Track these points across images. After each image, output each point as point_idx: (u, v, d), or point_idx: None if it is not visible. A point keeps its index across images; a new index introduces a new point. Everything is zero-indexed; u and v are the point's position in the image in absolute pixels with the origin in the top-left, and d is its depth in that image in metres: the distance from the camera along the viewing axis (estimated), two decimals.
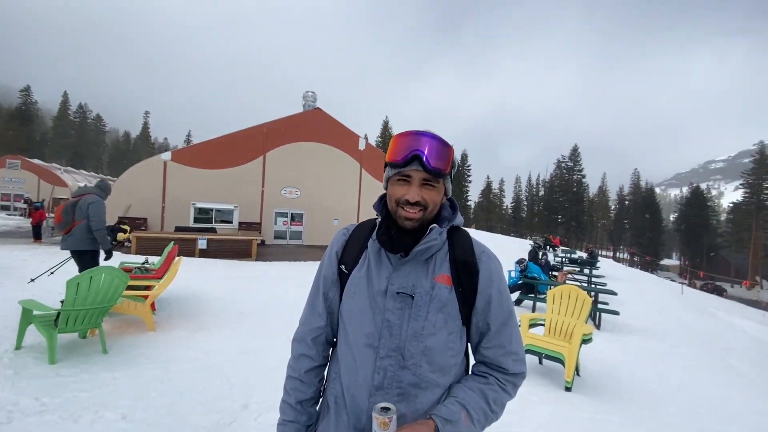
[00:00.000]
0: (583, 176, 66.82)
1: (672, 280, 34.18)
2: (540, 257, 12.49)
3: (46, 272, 5.65)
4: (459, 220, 1.02)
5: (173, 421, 2.63)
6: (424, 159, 0.87)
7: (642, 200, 65.73)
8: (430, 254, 0.95)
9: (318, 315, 1.04)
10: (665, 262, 67.15)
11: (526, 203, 79.90)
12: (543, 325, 4.62)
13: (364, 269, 0.98)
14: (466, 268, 0.94)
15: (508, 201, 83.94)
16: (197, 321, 5.03)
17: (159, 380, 3.22)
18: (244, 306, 6.01)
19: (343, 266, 1.02)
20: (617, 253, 69.29)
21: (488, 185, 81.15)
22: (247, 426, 2.64)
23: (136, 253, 11.60)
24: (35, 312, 3.62)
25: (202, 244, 12.54)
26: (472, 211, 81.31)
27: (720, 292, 41.27)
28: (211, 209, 18.06)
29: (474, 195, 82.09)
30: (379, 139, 69.92)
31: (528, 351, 4.18)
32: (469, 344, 1.01)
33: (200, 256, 12.26)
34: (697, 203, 61.69)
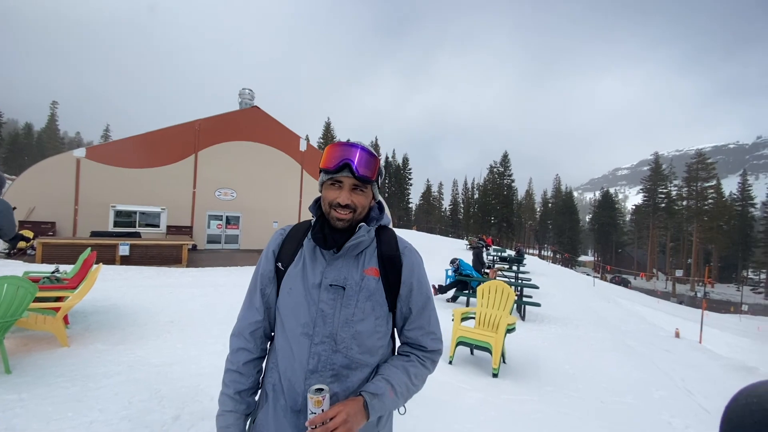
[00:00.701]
0: (513, 180, 72.05)
1: (587, 274, 38.24)
2: (480, 256, 13.26)
3: None
4: (386, 220, 1.14)
5: None
6: (354, 167, 0.99)
7: (562, 203, 72.61)
8: (360, 250, 1.07)
9: (255, 310, 1.11)
10: (582, 258, 74.96)
11: (462, 205, 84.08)
12: (474, 318, 4.98)
13: (299, 266, 1.07)
14: (392, 261, 1.07)
15: (446, 203, 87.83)
16: (119, 333, 4.63)
17: (75, 399, 2.95)
18: (173, 315, 5.64)
19: (279, 264, 1.10)
20: (542, 251, 75.74)
21: (428, 188, 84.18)
22: None
23: (42, 262, 10.28)
24: None
25: (124, 250, 11.46)
26: (413, 212, 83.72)
27: (625, 283, 47.18)
28: (135, 212, 16.53)
29: (415, 198, 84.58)
30: (321, 141, 69.10)
31: (460, 343, 4.50)
32: (395, 328, 1.14)
33: (122, 264, 11.20)
34: (607, 205, 69.72)
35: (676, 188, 60.17)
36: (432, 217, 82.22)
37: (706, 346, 6.78)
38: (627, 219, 77.28)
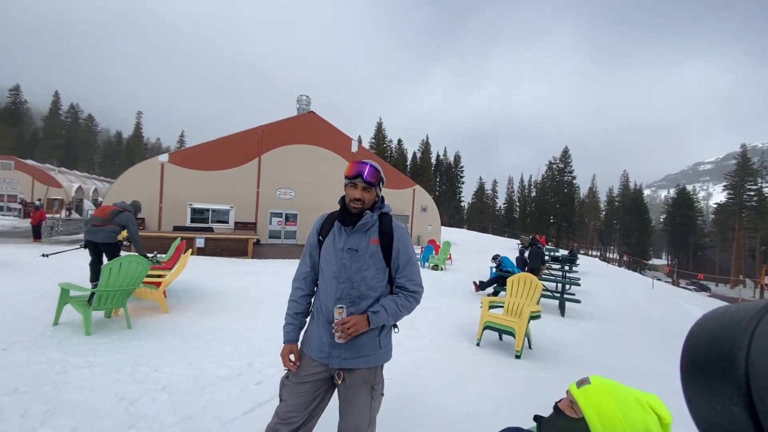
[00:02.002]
0: (574, 177, 68.16)
1: (658, 279, 35.27)
2: (524, 254, 13.28)
3: (58, 252, 6.48)
4: (386, 209, 1.83)
5: (194, 372, 3.35)
6: (364, 176, 1.68)
7: (630, 201, 67.16)
8: (367, 228, 1.75)
9: (305, 264, 1.85)
10: (654, 261, 68.64)
11: (518, 204, 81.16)
12: (503, 306, 5.38)
13: (331, 238, 1.78)
14: (386, 235, 1.75)
15: (500, 202, 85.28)
16: (204, 306, 5.74)
17: (179, 347, 3.94)
18: (244, 296, 6.73)
19: (320, 237, 1.83)
20: (607, 253, 70.74)
21: (481, 186, 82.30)
22: (252, 376, 3.37)
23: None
24: (72, 293, 4.31)
25: (200, 242, 13.19)
26: (465, 211, 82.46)
27: (705, 290, 42.61)
28: (208, 209, 18.67)
29: (467, 196, 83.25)
30: (373, 141, 70.73)
31: (487, 327, 4.95)
32: (391, 276, 1.79)
33: (198, 255, 12.91)
34: (684, 204, 63.23)
35: None
36: (485, 216, 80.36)
37: None
38: (709, 219, 69.55)
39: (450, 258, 15.82)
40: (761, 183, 53.56)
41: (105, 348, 3.73)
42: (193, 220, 18.34)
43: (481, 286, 9.37)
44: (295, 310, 1.80)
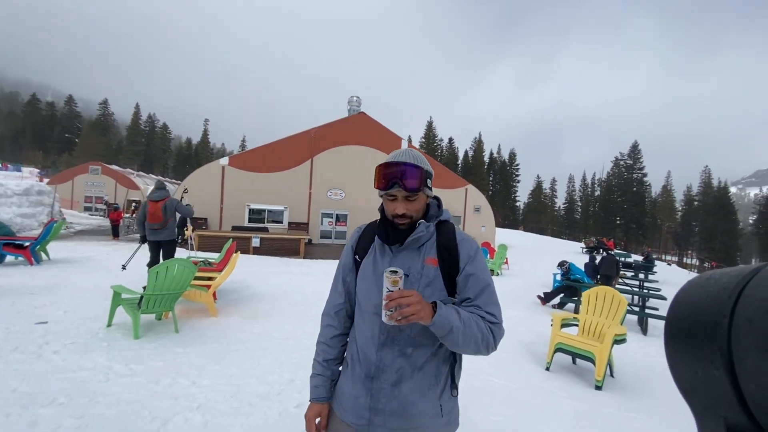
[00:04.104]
0: (644, 175, 62.21)
1: None
2: (595, 260, 12.00)
3: (129, 260, 6.69)
4: (446, 215, 1.30)
5: (232, 389, 3.12)
6: (402, 185, 1.16)
7: (713, 200, 59.69)
8: (421, 243, 1.23)
9: (338, 294, 1.36)
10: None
11: (580, 204, 75.75)
12: (577, 325, 4.63)
13: (371, 258, 1.28)
14: (449, 251, 1.21)
15: (560, 201, 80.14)
16: (252, 309, 5.63)
17: (221, 356, 3.76)
18: (292, 298, 6.57)
19: (357, 256, 1.34)
20: (684, 258, 63.39)
21: (539, 185, 77.96)
22: (292, 397, 3.05)
23: (199, 250, 12.83)
24: (123, 295, 4.34)
25: (256, 242, 13.56)
26: (521, 212, 78.56)
27: None
28: (264, 210, 19.33)
29: (523, 195, 79.31)
30: (423, 140, 69.92)
31: (559, 350, 4.25)
32: None
33: (254, 253, 13.27)
34: None
35: None
36: (543, 217, 75.89)
37: None
38: None
39: (507, 262, 14.82)
40: None
41: (149, 354, 3.65)
42: (250, 220, 19.08)
43: (546, 297, 8.46)
44: (325, 356, 1.33)
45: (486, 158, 73.46)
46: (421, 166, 1.21)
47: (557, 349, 4.25)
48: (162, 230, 5.85)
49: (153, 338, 4.08)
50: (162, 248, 5.94)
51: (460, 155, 73.79)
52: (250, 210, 19.13)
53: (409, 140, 71.13)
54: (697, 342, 0.31)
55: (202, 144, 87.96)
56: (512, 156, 73.04)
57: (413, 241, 1.21)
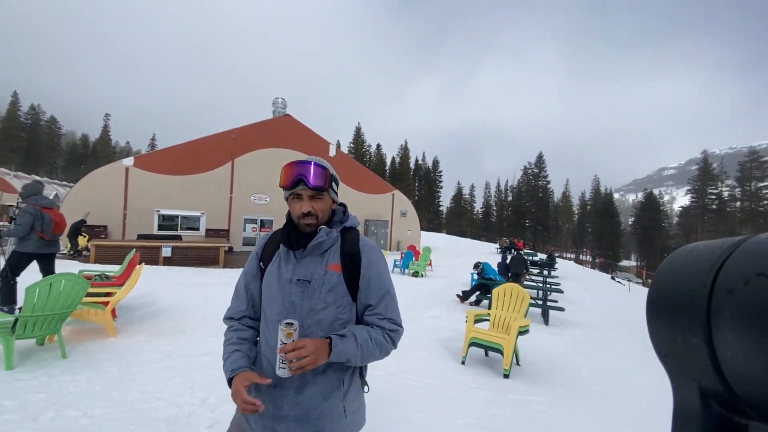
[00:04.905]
0: (548, 182, 69.82)
1: (629, 280, 36.43)
2: (506, 260, 13.13)
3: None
4: (351, 222, 1.35)
5: (133, 415, 2.80)
6: (307, 181, 1.20)
7: (602, 205, 69.32)
8: (324, 249, 1.26)
9: (239, 301, 1.34)
10: (624, 263, 70.97)
11: (495, 208, 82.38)
12: (489, 320, 5.04)
13: (276, 264, 1.28)
14: (351, 258, 1.26)
15: (478, 206, 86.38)
16: (160, 326, 5.12)
17: (120, 381, 3.36)
18: (208, 311, 6.11)
19: (261, 263, 1.33)
20: (580, 256, 72.59)
21: (459, 191, 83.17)
22: (204, 417, 2.85)
23: (96, 262, 11.28)
24: None
25: (166, 251, 12.34)
26: (444, 216, 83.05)
27: None
28: (177, 216, 17.67)
29: (446, 201, 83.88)
30: (352, 145, 70.29)
31: (473, 344, 4.59)
32: (358, 314, 1.30)
33: (165, 264, 12.06)
34: (651, 207, 65.75)
35: (727, 189, 55.95)
36: (464, 220, 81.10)
37: None
38: (674, 222, 72.56)
39: (430, 264, 15.53)
40: (721, 187, 56.42)
41: (27, 386, 3.12)
42: (160, 228, 17.28)
43: (464, 296, 9.06)
44: (239, 336, 1.29)
45: (412, 165, 76.29)
46: (327, 167, 1.26)
47: (471, 344, 4.58)
48: (56, 242, 5.17)
49: (32, 367, 3.49)
50: (45, 263, 5.14)
51: (388, 161, 75.63)
52: (160, 216, 17.35)
53: (338, 145, 70.83)
54: (677, 310, 0.32)
55: (102, 142, 77.62)
56: (436, 163, 76.96)
57: (315, 246, 1.24)
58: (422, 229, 34.25)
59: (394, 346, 1.29)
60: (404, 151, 73.79)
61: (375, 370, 4.04)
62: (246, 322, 1.33)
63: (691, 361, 0.30)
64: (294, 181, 1.21)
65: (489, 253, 25.94)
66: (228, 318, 1.35)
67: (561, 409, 3.57)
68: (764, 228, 49.23)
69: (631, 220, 75.72)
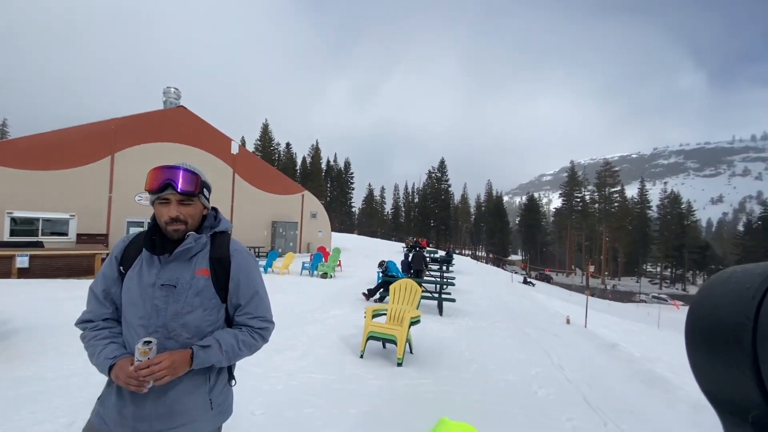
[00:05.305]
0: (449, 186, 75.66)
1: (515, 272, 41.60)
2: (409, 257, 13.95)
3: None
4: (223, 226, 1.40)
5: None
6: (176, 185, 1.22)
7: (494, 206, 77.69)
8: (192, 254, 1.29)
9: (100, 305, 1.30)
10: (512, 257, 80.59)
11: (404, 209, 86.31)
12: (386, 314, 5.41)
13: (137, 269, 1.28)
14: (221, 262, 1.33)
15: (388, 207, 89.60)
16: (13, 350, 4.34)
17: None
18: (75, 329, 5.34)
19: (121, 267, 1.30)
20: (477, 252, 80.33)
21: (370, 193, 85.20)
22: None
23: None
24: None
25: (22, 262, 10.31)
26: (356, 217, 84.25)
27: (548, 279, 52.12)
28: (37, 219, 14.81)
29: (358, 202, 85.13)
30: (259, 143, 66.85)
31: (371, 338, 4.89)
32: (229, 315, 1.38)
33: (21, 277, 10.08)
34: (532, 209, 75.95)
35: (589, 193, 67.42)
36: (375, 221, 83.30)
37: (590, 329, 7.94)
38: (550, 221, 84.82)
39: (340, 264, 15.73)
40: (584, 192, 67.75)
41: None
42: (14, 233, 14.28)
43: (369, 294, 9.43)
44: (110, 332, 1.26)
45: (324, 165, 75.68)
46: (198, 173, 1.30)
47: (369, 338, 4.87)
48: None
49: None
50: None
51: (299, 161, 73.84)
52: (12, 220, 14.35)
53: (243, 142, 66.79)
54: (721, 346, 0.30)
55: None
56: (347, 165, 77.57)
57: (182, 252, 1.26)
58: (334, 230, 34.30)
59: (265, 340, 1.40)
60: (315, 152, 72.80)
61: (272, 372, 4.06)
62: (111, 324, 1.30)
63: (740, 399, 0.29)
64: (161, 186, 1.22)
65: (397, 252, 27.17)
66: (86, 321, 1.29)
67: (444, 387, 4.04)
68: (616, 224, 60.70)
69: (517, 220, 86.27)
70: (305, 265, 14.03)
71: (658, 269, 66.15)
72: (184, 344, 1.24)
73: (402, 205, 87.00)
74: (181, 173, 1.24)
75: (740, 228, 67.74)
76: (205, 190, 1.33)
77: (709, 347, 0.31)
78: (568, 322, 8.65)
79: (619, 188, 64.46)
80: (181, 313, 1.24)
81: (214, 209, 1.42)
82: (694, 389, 5.51)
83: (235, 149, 20.45)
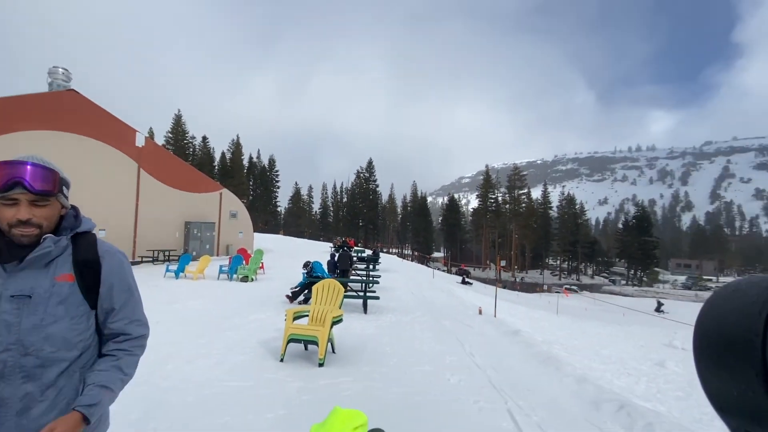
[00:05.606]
0: (377, 186, 77.01)
1: (439, 269, 43.98)
2: (335, 257, 13.87)
3: None
4: (86, 226, 1.25)
5: None
6: (27, 184, 1.05)
7: (418, 206, 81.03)
8: (50, 259, 1.14)
9: None
10: (435, 255, 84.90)
11: (332, 209, 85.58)
12: (308, 315, 5.36)
13: None
14: (88, 265, 1.19)
15: (316, 207, 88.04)
16: None
17: None
18: None
19: None
20: (403, 250, 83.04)
21: (297, 191, 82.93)
22: None
23: None
24: None
25: None
26: (282, 216, 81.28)
27: (467, 274, 56.00)
28: None
29: (284, 201, 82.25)
30: (170, 135, 60.89)
31: (292, 340, 4.80)
32: (98, 322, 1.25)
33: None
34: (453, 209, 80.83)
35: (501, 195, 73.86)
36: (302, 221, 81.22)
37: (499, 318, 8.76)
38: (468, 220, 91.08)
39: (262, 267, 15.07)
40: (497, 193, 74.02)
41: None
42: None
43: (293, 296, 9.21)
44: None
45: (246, 162, 71.65)
46: (55, 169, 1.16)
47: (290, 340, 4.78)
48: None
49: None
50: None
51: (217, 156, 68.91)
52: None
53: (151, 133, 60.36)
54: (730, 362, 0.30)
55: None
56: (272, 162, 74.47)
57: (38, 258, 1.10)
58: (257, 231, 32.71)
59: (143, 349, 1.30)
60: (236, 147, 68.54)
61: (180, 384, 3.78)
62: None
63: (752, 415, 0.28)
64: (7, 184, 1.04)
65: (324, 253, 26.89)
66: None
67: (365, 383, 4.15)
68: (523, 223, 67.37)
69: (440, 219, 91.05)
70: (223, 268, 13.18)
71: (558, 262, 75.11)
72: (46, 359, 1.09)
73: (330, 204, 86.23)
74: (32, 169, 1.07)
75: (620, 225, 79.84)
76: (64, 188, 1.18)
77: (717, 362, 0.31)
78: (480, 312, 9.41)
79: (526, 191, 71.70)
80: (42, 326, 1.10)
81: (74, 208, 1.26)
82: (581, 365, 6.41)
83: (140, 141, 18.37)
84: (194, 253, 18.61)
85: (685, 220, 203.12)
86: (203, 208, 21.88)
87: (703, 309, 0.35)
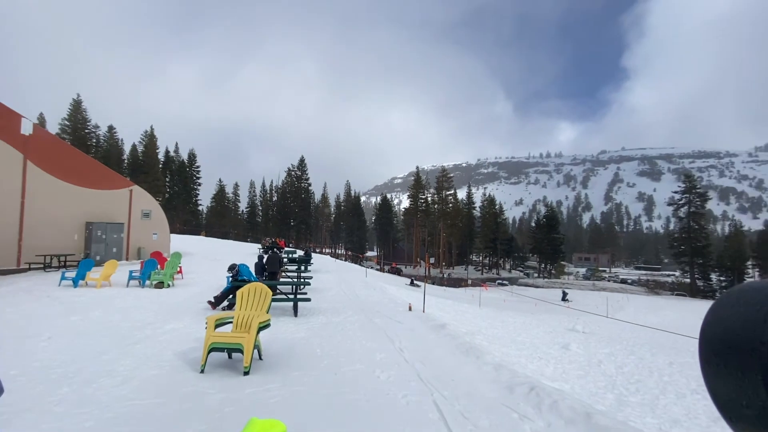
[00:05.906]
0: (310, 184, 75.36)
1: (372, 267, 44.40)
2: (263, 259, 13.24)
3: None
4: None
5: None
6: None
7: (352, 206, 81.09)
8: None
9: None
10: (368, 254, 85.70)
11: (261, 208, 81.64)
12: (232, 322, 5.05)
13: None
14: None
15: (243, 206, 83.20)
16: None
17: None
18: None
19: None
20: (336, 249, 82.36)
21: (221, 189, 77.56)
22: None
23: None
24: None
25: None
26: (204, 216, 75.42)
27: (399, 272, 57.59)
28: None
29: (206, 199, 76.39)
30: (67, 123, 53.04)
31: (214, 349, 4.49)
32: None
33: None
34: (386, 208, 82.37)
35: (430, 195, 77.06)
36: (227, 221, 76.11)
37: (427, 313, 9.14)
38: (400, 219, 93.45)
39: (180, 271, 13.85)
40: (427, 194, 77.06)
41: None
42: None
43: (217, 301, 8.60)
44: None
45: (162, 156, 65.15)
46: None
47: (212, 349, 4.47)
48: None
49: None
50: None
51: (127, 149, 61.72)
52: None
53: (41, 120, 52.10)
54: (736, 369, 0.30)
55: None
56: (192, 157, 68.69)
57: None
58: (174, 232, 29.97)
59: None
60: (150, 139, 62.00)
61: (76, 409, 3.33)
62: None
63: (762, 424, 0.28)
64: None
65: (252, 254, 25.58)
66: None
67: (293, 388, 4.04)
68: (450, 222, 70.96)
69: (373, 219, 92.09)
70: (134, 274, 11.84)
71: (480, 258, 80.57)
72: None
73: (259, 203, 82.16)
74: None
75: (533, 224, 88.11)
76: None
77: (723, 369, 0.31)
78: (410, 309, 9.72)
79: (452, 192, 75.70)
80: None
81: None
82: (499, 353, 6.97)
83: (27, 129, 15.69)
84: (98, 258, 16.46)
85: (585, 219, 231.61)
86: (109, 206, 19.42)
87: (707, 317, 0.35)
